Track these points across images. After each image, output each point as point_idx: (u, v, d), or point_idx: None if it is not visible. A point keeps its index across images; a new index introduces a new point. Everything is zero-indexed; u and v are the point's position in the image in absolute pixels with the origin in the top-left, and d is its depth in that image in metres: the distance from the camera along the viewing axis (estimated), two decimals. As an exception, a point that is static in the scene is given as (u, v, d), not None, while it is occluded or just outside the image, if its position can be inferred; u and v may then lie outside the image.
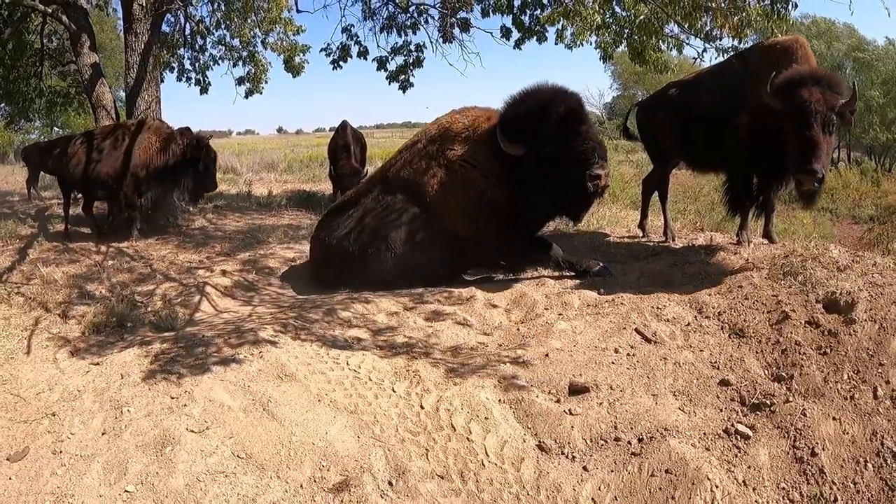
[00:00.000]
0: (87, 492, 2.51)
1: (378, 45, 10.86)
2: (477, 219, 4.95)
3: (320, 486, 2.60)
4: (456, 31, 10.31)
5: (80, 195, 8.15)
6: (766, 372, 3.24)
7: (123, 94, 10.86)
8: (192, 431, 2.80)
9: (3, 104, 15.22)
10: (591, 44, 7.90)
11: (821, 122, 4.12)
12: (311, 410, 3.03)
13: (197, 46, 11.43)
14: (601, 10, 6.91)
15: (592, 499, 2.55)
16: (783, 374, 3.17)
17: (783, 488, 2.55)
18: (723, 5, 6.09)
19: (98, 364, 3.60)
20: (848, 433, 2.73)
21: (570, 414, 2.97)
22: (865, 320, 3.34)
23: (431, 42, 10.59)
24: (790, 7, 6.24)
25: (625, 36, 7.86)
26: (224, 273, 5.73)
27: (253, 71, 10.61)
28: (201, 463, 2.63)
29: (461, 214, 4.98)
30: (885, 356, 3.08)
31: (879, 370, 3.02)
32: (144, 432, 2.81)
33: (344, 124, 9.86)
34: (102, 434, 2.86)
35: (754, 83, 4.74)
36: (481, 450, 2.80)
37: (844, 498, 2.50)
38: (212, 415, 2.92)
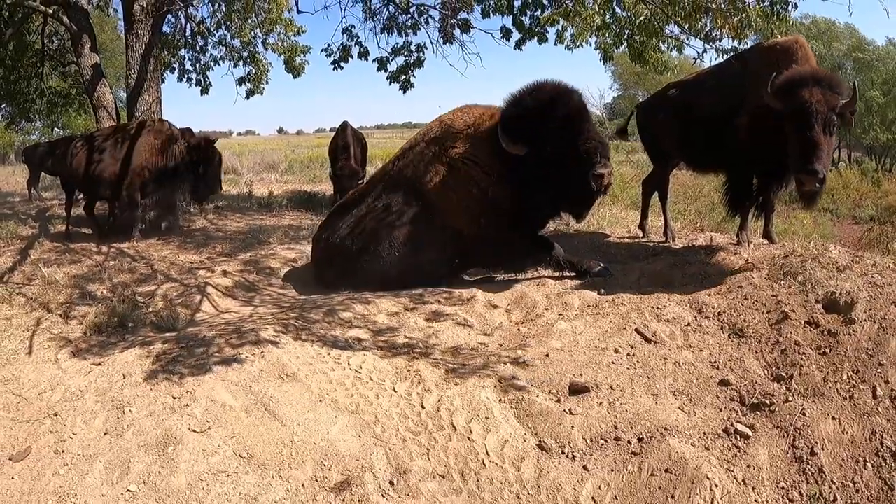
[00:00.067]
0: (90, 491, 2.52)
1: (379, 46, 10.87)
2: (479, 217, 4.95)
3: (322, 485, 2.61)
4: (456, 31, 10.33)
5: (80, 196, 8.17)
6: (766, 372, 3.25)
7: (124, 95, 10.88)
8: (193, 431, 2.81)
9: (3, 105, 15.23)
10: (590, 45, 7.92)
11: (822, 122, 4.13)
12: (313, 410, 3.04)
13: (198, 47, 11.45)
14: (601, 11, 6.92)
15: (593, 498, 2.56)
16: (783, 373, 3.18)
17: (782, 487, 2.56)
18: (723, 6, 6.10)
19: (100, 364, 3.61)
20: (847, 433, 2.74)
21: (571, 414, 2.98)
22: (865, 320, 3.35)
23: (432, 43, 10.61)
24: (790, 8, 6.25)
25: (625, 37, 7.88)
26: (225, 273, 5.74)
27: (254, 71, 10.62)
28: (203, 462, 2.64)
29: (463, 212, 4.98)
30: (884, 356, 3.09)
31: (879, 370, 3.03)
32: (146, 432, 2.82)
33: (344, 125, 9.87)
34: (104, 434, 2.87)
35: (754, 84, 4.75)
36: (482, 449, 2.81)
37: (843, 497, 2.51)
38: (214, 414, 2.93)
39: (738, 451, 2.72)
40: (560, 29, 8.46)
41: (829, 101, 4.16)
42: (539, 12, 9.16)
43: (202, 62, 11.52)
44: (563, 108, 4.56)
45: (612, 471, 2.67)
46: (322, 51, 10.80)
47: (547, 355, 3.56)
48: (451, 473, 2.69)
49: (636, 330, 3.76)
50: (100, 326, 4.33)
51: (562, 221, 6.05)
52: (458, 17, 10.19)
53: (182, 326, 4.30)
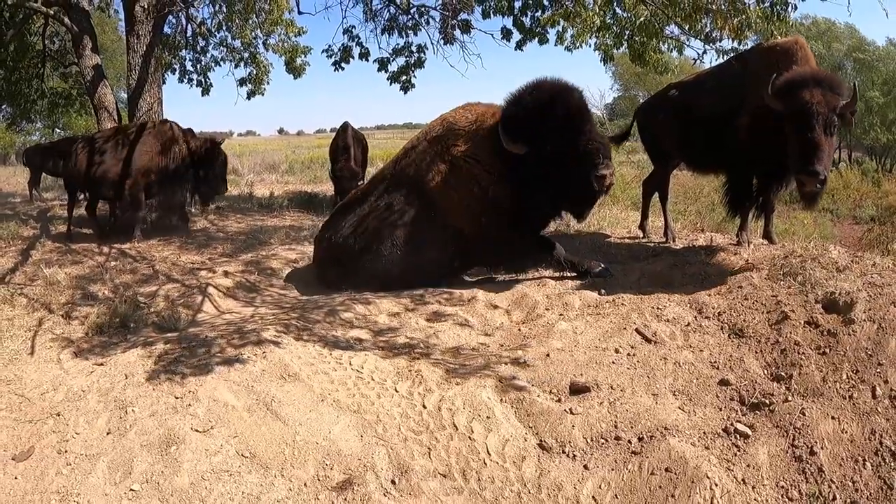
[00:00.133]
0: (93, 490, 2.53)
1: (380, 47, 10.88)
2: (480, 216, 4.95)
3: (324, 484, 2.62)
4: (457, 32, 10.34)
5: (81, 197, 8.19)
6: (766, 371, 3.26)
7: (125, 96, 10.90)
8: (196, 431, 2.82)
9: (4, 106, 15.26)
10: (590, 46, 7.93)
11: (822, 123, 4.13)
12: (315, 410, 3.05)
13: (198, 48, 11.48)
14: (601, 12, 6.94)
15: (593, 497, 2.58)
16: (782, 373, 3.19)
17: (782, 487, 2.57)
18: (723, 7, 6.13)
19: (102, 364, 3.62)
20: (846, 432, 2.75)
21: (571, 413, 3.00)
22: (864, 320, 3.36)
23: (432, 44, 10.63)
24: (789, 9, 6.27)
25: (625, 37, 7.90)
26: (226, 274, 5.75)
27: (254, 72, 10.65)
28: (206, 462, 2.65)
29: (464, 211, 4.99)
30: (883, 356, 3.10)
31: (878, 370, 3.04)
32: (149, 432, 2.83)
33: (345, 126, 9.88)
34: (107, 433, 2.88)
35: (754, 84, 4.76)
36: (483, 449, 2.82)
37: (843, 496, 2.52)
38: (216, 414, 2.95)
39: (738, 451, 2.73)
40: (560, 30, 8.48)
41: (830, 102, 4.17)
42: (539, 13, 9.18)
43: (203, 63, 11.56)
44: (564, 107, 4.54)
45: (613, 470, 2.68)
46: (323, 51, 10.84)
47: (547, 355, 3.57)
48: (452, 473, 2.70)
49: (636, 330, 3.77)
50: (102, 327, 4.34)
51: (562, 221, 6.06)
52: (459, 18, 10.21)
53: (184, 327, 4.32)
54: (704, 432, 2.85)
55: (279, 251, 6.65)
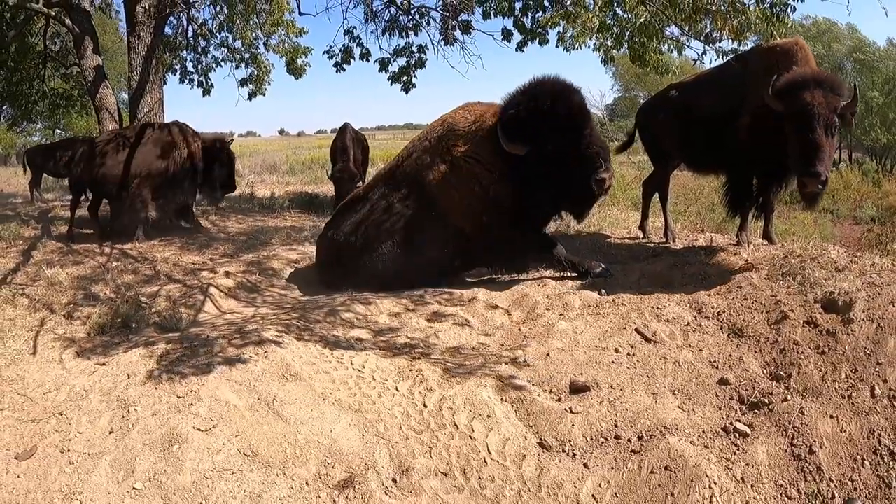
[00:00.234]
0: (96, 489, 2.55)
1: (380, 48, 10.88)
2: (481, 215, 4.96)
3: (325, 483, 2.64)
4: (457, 33, 10.34)
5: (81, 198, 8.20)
6: (765, 371, 3.27)
7: (126, 96, 10.92)
8: (198, 430, 2.84)
9: (6, 106, 15.29)
10: (589, 47, 7.94)
11: (823, 124, 4.14)
12: (316, 409, 3.07)
13: (199, 49, 11.48)
14: (601, 13, 6.95)
15: (593, 495, 2.59)
16: (781, 373, 3.20)
17: (781, 485, 2.59)
18: (722, 8, 6.14)
19: (104, 364, 3.64)
20: (845, 431, 2.76)
21: (571, 412, 3.01)
22: (863, 320, 3.37)
23: (433, 44, 10.63)
24: (789, 10, 6.28)
25: (626, 38, 7.91)
26: (227, 274, 5.77)
27: (255, 73, 10.66)
28: (208, 461, 2.67)
29: (466, 210, 5.00)
30: (882, 355, 3.11)
31: (877, 369, 3.05)
32: (151, 431, 2.84)
33: (344, 127, 9.89)
34: (110, 433, 2.90)
35: (754, 85, 4.78)
36: (483, 447, 2.84)
37: (842, 495, 2.53)
38: (218, 413, 2.96)
39: (737, 450, 2.74)
40: (561, 31, 8.49)
41: (831, 103, 4.18)
42: (540, 14, 9.18)
43: (204, 64, 11.55)
44: (564, 107, 4.53)
45: (613, 469, 2.69)
46: (324, 52, 10.83)
47: (548, 355, 3.59)
48: (453, 471, 2.72)
49: (636, 330, 3.79)
50: (103, 327, 4.36)
51: (562, 222, 6.07)
52: (459, 19, 10.21)
53: (185, 327, 4.33)
54: (704, 431, 2.86)
55: (280, 252, 6.66)
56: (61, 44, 13.35)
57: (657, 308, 4.03)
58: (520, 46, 9.76)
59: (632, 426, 2.90)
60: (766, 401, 2.99)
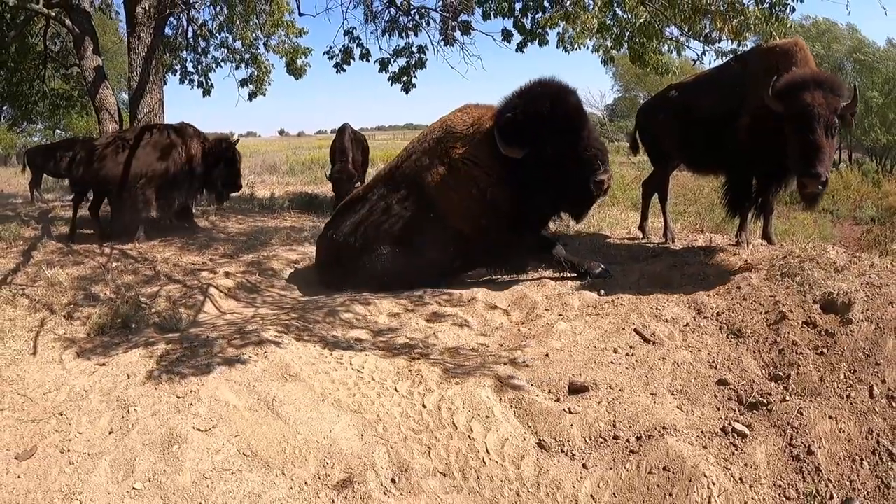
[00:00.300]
0: (96, 489, 2.55)
1: (380, 48, 10.88)
2: (479, 217, 4.97)
3: (324, 483, 2.64)
4: (457, 33, 10.35)
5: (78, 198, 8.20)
6: (764, 371, 3.28)
7: (126, 97, 10.93)
8: (198, 430, 2.84)
9: (6, 107, 15.31)
10: (588, 48, 7.95)
11: (823, 125, 4.14)
12: (316, 409, 3.07)
13: (199, 49, 11.49)
14: (601, 13, 6.96)
15: (591, 496, 2.59)
16: (780, 373, 3.20)
17: (779, 486, 2.59)
18: (721, 8, 6.15)
19: (104, 364, 3.64)
20: (844, 432, 2.76)
21: (570, 413, 3.01)
22: (862, 320, 3.37)
23: (433, 45, 10.64)
24: (788, 11, 6.29)
25: (625, 38, 7.91)
26: (227, 275, 5.77)
27: (255, 73, 10.68)
28: (208, 461, 2.67)
29: (464, 212, 5.01)
30: (881, 356, 3.11)
31: (875, 370, 3.05)
32: (151, 431, 2.85)
33: (342, 128, 9.89)
34: (110, 433, 2.90)
35: (754, 86, 4.78)
36: (482, 448, 2.84)
37: (840, 495, 2.53)
38: (218, 414, 2.97)
39: (736, 450, 2.74)
40: (561, 31, 8.50)
41: (831, 104, 4.18)
42: (540, 14, 9.19)
43: (204, 64, 11.56)
44: (560, 110, 4.53)
45: (611, 469, 2.69)
46: (324, 53, 10.83)
47: (547, 355, 3.59)
48: (451, 471, 2.72)
49: (635, 330, 3.79)
50: (103, 327, 4.37)
51: (562, 222, 6.08)
52: (459, 20, 10.22)
53: (185, 327, 4.34)
54: (702, 432, 2.87)
55: (280, 252, 6.67)
56: (61, 44, 13.36)
57: (656, 308, 4.04)
58: (520, 47, 9.76)
59: (630, 426, 2.90)
60: (765, 401, 3.00)
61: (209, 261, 6.43)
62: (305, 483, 2.63)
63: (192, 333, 4.06)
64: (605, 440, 2.86)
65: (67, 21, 9.51)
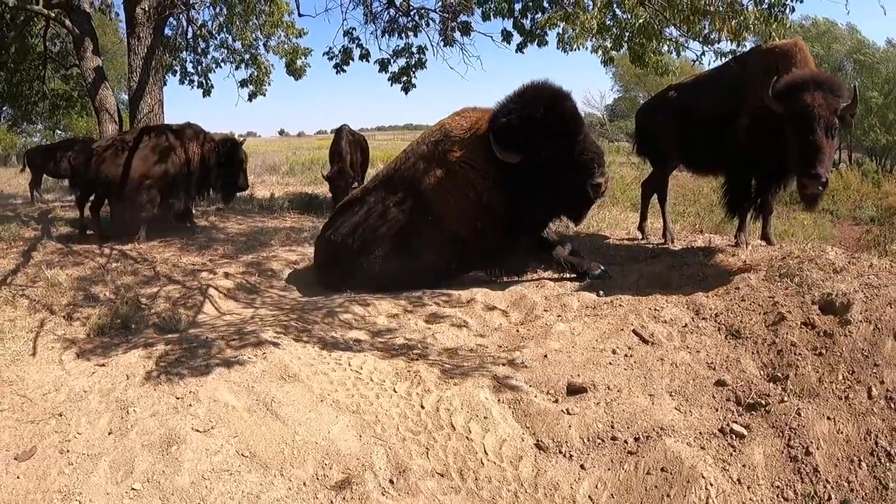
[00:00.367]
0: (95, 490, 2.56)
1: (380, 48, 10.90)
2: (476, 220, 4.98)
3: (323, 483, 2.64)
4: (457, 34, 10.35)
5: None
6: (762, 372, 3.28)
7: (126, 97, 10.94)
8: (197, 431, 2.84)
9: (6, 107, 15.33)
10: (587, 48, 7.96)
11: (823, 126, 4.14)
12: (314, 410, 3.07)
13: (199, 50, 11.50)
14: (600, 14, 6.96)
15: (589, 496, 2.60)
16: (779, 374, 3.21)
17: (777, 487, 2.59)
18: (721, 9, 6.15)
19: (103, 365, 3.65)
20: (842, 432, 2.76)
21: (568, 413, 3.01)
22: (861, 321, 3.37)
23: (432, 45, 10.64)
24: (787, 11, 6.29)
25: (625, 39, 7.92)
26: (227, 276, 5.78)
27: (255, 74, 10.69)
28: (206, 461, 2.67)
29: (461, 215, 5.02)
30: (879, 357, 3.12)
31: (874, 370, 3.05)
32: (150, 432, 2.85)
33: (340, 130, 9.89)
34: (109, 433, 2.90)
35: (753, 86, 4.78)
36: (480, 448, 2.84)
37: (838, 496, 2.53)
38: (216, 415, 2.97)
39: (734, 451, 2.74)
40: (561, 31, 8.50)
41: (831, 105, 4.17)
42: (539, 15, 9.20)
43: (204, 64, 11.58)
44: (556, 114, 4.53)
45: (609, 470, 2.69)
46: (324, 54, 10.85)
47: (545, 356, 3.60)
48: (449, 472, 2.72)
49: (634, 331, 3.79)
50: (103, 328, 4.37)
51: (561, 223, 6.08)
52: (459, 20, 10.22)
53: (184, 328, 4.34)
54: (700, 433, 2.87)
55: (279, 253, 6.68)
56: (61, 45, 13.38)
57: (655, 309, 4.04)
58: (519, 48, 9.77)
59: (628, 427, 2.91)
60: (763, 402, 3.00)
61: (209, 261, 6.44)
62: (304, 484, 2.63)
63: (192, 334, 4.07)
64: (603, 441, 2.86)
65: (67, 22, 9.51)
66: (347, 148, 9.49)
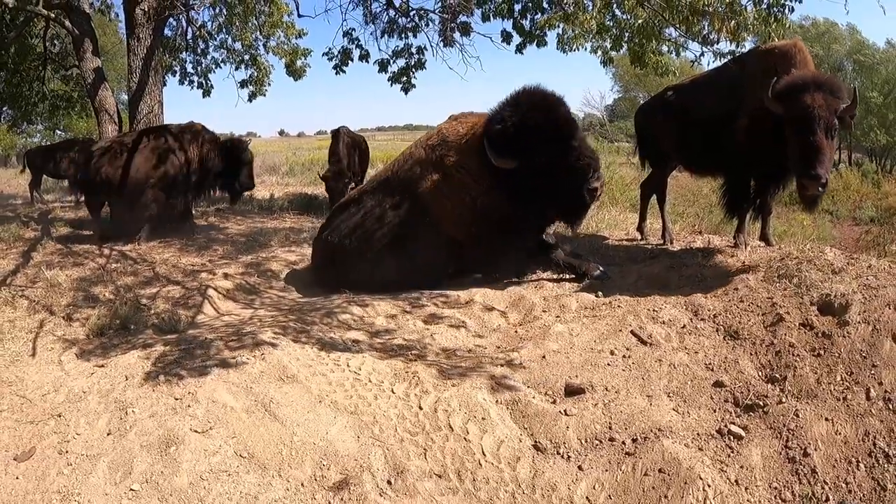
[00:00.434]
0: (93, 490, 2.56)
1: (379, 49, 10.92)
2: (471, 225, 4.99)
3: (321, 484, 2.65)
4: (456, 35, 10.36)
5: (81, 198, 8.21)
6: (760, 373, 3.28)
7: (126, 98, 10.96)
8: (195, 431, 2.85)
9: (6, 108, 15.34)
10: (586, 49, 7.97)
11: (824, 127, 4.13)
12: (312, 411, 3.08)
13: (199, 50, 11.52)
14: (600, 14, 6.98)
15: (587, 497, 2.60)
16: (777, 375, 3.20)
17: (775, 488, 2.59)
18: (720, 10, 6.16)
19: (102, 366, 3.66)
20: (840, 434, 2.76)
21: (566, 415, 3.02)
22: (859, 322, 3.37)
23: (432, 46, 10.65)
24: (786, 11, 6.30)
25: (625, 39, 7.93)
26: (226, 276, 5.78)
27: (255, 74, 10.71)
28: (205, 462, 2.68)
29: (457, 219, 5.03)
30: (878, 358, 3.11)
31: (872, 372, 3.04)
32: (149, 432, 2.86)
33: (336, 132, 9.90)
34: (108, 434, 2.91)
35: (752, 87, 4.78)
36: (478, 449, 2.84)
37: (836, 497, 2.53)
38: (215, 415, 2.98)
39: (732, 452, 2.74)
40: (560, 32, 8.51)
41: (831, 106, 4.16)
42: (539, 16, 9.20)
43: (204, 65, 11.61)
44: (551, 120, 4.55)
45: (607, 471, 2.70)
46: (324, 54, 10.86)
47: (543, 357, 3.60)
48: (447, 473, 2.73)
49: (632, 332, 3.79)
50: (102, 328, 4.38)
51: (559, 225, 6.08)
52: (458, 21, 10.23)
53: (183, 329, 4.35)
54: (698, 434, 2.87)
55: (279, 253, 6.68)
56: (61, 46, 13.40)
57: (653, 310, 4.04)
58: (519, 49, 9.77)
59: (626, 428, 2.91)
60: (761, 403, 2.99)
61: (208, 262, 6.44)
62: (302, 484, 2.64)
63: (191, 335, 4.07)
64: (601, 442, 2.86)
65: (67, 22, 9.53)
66: (344, 150, 9.50)
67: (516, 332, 4.17)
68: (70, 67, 13.07)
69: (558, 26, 7.94)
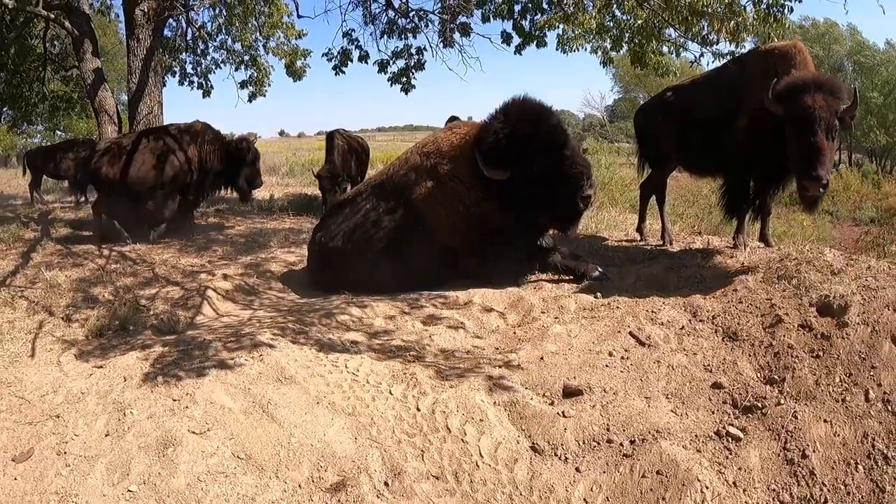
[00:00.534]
0: (91, 491, 2.57)
1: (379, 50, 10.94)
2: (465, 232, 5.02)
3: (318, 486, 2.65)
4: (456, 35, 10.36)
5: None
6: (759, 375, 3.27)
7: (126, 98, 10.96)
8: (193, 433, 2.85)
9: (6, 108, 15.36)
10: (585, 49, 7.97)
11: (824, 127, 4.12)
12: (310, 412, 3.08)
13: (199, 51, 11.53)
14: (599, 15, 6.98)
15: (584, 499, 2.59)
16: (775, 376, 3.20)
17: (773, 489, 2.58)
18: (719, 10, 6.16)
19: (101, 367, 3.66)
20: (839, 435, 2.76)
21: (564, 416, 3.01)
22: (858, 324, 3.36)
23: (431, 47, 10.65)
24: (786, 11, 6.29)
25: (625, 40, 7.93)
26: (225, 277, 5.78)
27: (255, 75, 10.71)
28: (202, 463, 2.68)
29: (451, 227, 5.06)
30: (877, 359, 3.10)
31: (871, 373, 3.04)
32: (147, 433, 2.86)
33: (331, 135, 9.91)
34: (106, 435, 2.91)
35: (752, 88, 4.77)
36: (476, 451, 2.84)
37: (835, 499, 2.52)
38: (213, 416, 2.98)
39: (730, 454, 2.74)
40: (560, 33, 8.51)
41: (831, 106, 4.16)
42: (539, 16, 9.20)
43: (203, 66, 11.62)
44: (542, 130, 4.59)
45: (604, 472, 2.69)
46: (323, 55, 10.86)
47: (541, 358, 3.59)
48: (445, 475, 2.72)
49: (630, 333, 3.79)
50: (101, 329, 4.38)
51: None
52: (458, 22, 10.22)
53: (182, 329, 4.35)
54: (696, 435, 2.86)
55: (278, 254, 6.68)
56: (61, 46, 13.41)
57: (652, 311, 4.04)
58: (518, 49, 9.77)
59: (624, 430, 2.90)
60: (760, 405, 2.99)
61: (207, 263, 6.44)
62: (299, 486, 2.64)
63: (189, 336, 4.07)
64: (599, 444, 2.86)
65: (67, 23, 9.54)
66: (338, 152, 9.52)
67: (515, 333, 4.17)
68: (70, 68, 13.09)
69: (558, 27, 7.94)
